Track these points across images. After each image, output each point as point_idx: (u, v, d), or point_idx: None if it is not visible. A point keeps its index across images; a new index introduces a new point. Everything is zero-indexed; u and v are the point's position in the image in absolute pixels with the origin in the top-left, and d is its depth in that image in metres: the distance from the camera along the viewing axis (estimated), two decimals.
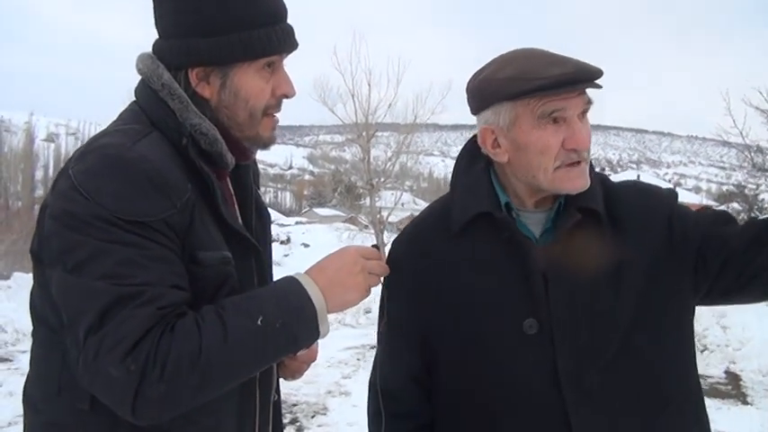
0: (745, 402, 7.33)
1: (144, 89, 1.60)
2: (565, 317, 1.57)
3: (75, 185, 1.39)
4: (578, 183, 1.57)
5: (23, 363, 7.21)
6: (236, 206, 1.75)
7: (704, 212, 1.70)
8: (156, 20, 1.60)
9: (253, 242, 1.66)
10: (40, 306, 1.53)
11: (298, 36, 1.65)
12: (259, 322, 1.40)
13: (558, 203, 1.65)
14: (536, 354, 1.58)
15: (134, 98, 1.63)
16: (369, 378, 1.83)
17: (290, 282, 1.52)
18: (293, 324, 1.46)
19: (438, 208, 1.80)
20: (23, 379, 1.63)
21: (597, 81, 1.53)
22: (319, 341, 1.61)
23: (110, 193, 1.37)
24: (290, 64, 1.67)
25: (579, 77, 1.51)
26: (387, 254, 1.74)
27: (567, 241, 1.59)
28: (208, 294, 1.49)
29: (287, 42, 1.62)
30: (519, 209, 1.68)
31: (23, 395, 1.62)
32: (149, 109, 1.57)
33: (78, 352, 1.35)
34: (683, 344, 1.68)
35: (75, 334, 1.35)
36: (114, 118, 1.62)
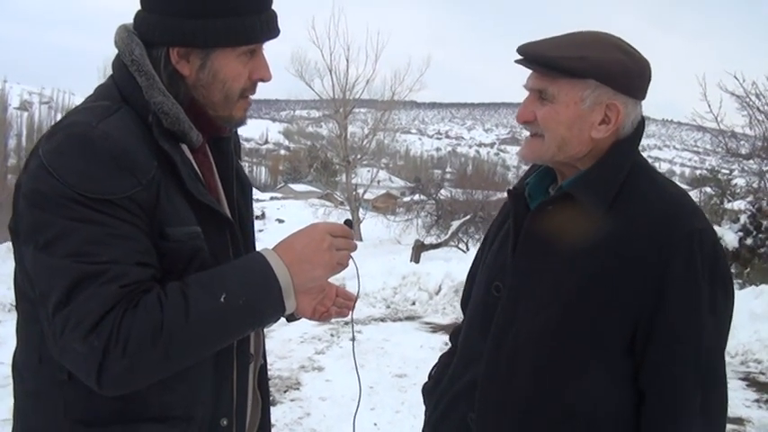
0: None
1: (118, 63, 1.60)
2: (511, 292, 1.72)
3: (44, 164, 1.42)
4: (521, 152, 1.74)
5: None
6: (216, 178, 1.75)
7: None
8: None
9: (225, 215, 1.66)
10: (21, 280, 1.56)
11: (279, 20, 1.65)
12: (222, 299, 1.43)
13: (560, 186, 1.75)
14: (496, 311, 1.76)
15: (110, 70, 1.63)
16: None
17: (256, 258, 1.53)
18: (257, 301, 1.48)
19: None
20: None
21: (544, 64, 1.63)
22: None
23: (75, 172, 1.40)
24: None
25: (524, 56, 1.66)
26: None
27: (541, 219, 1.70)
28: (178, 269, 1.51)
29: (270, 31, 1.62)
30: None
31: (12, 364, 1.66)
32: (121, 83, 1.58)
33: (49, 327, 1.39)
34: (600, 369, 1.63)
35: (45, 309, 1.40)
36: (88, 88, 1.63)
